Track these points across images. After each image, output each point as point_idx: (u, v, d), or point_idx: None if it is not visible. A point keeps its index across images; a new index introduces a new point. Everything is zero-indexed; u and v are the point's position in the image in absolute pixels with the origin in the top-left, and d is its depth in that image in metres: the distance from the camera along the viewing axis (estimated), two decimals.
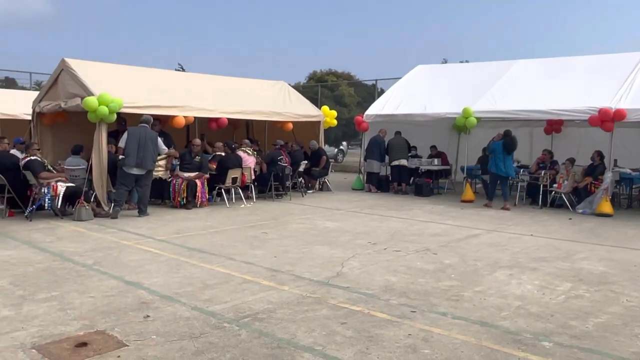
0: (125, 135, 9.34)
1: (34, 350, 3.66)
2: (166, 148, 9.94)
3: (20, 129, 13.37)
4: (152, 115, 10.32)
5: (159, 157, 10.08)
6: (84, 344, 3.78)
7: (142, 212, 9.35)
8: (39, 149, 9.50)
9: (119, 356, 3.59)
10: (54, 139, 11.01)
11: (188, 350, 3.69)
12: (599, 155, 11.04)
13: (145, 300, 4.75)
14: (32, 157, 8.96)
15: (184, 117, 10.81)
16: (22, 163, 8.93)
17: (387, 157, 13.68)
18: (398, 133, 13.69)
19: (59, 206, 8.90)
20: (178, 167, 10.57)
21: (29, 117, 11.82)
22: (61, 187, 8.85)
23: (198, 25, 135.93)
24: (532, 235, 8.17)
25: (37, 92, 13.99)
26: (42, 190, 8.73)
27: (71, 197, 8.98)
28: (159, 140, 9.58)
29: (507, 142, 10.83)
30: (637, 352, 3.79)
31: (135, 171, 9.21)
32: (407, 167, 13.51)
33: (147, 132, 9.40)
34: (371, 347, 3.80)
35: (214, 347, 3.76)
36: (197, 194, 10.33)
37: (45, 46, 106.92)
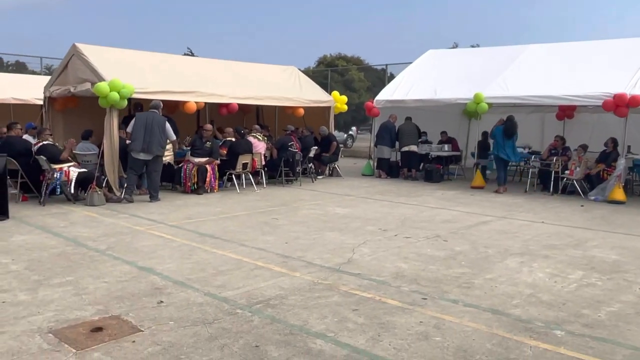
0: (133, 120, 9.38)
1: (50, 335, 3.72)
2: (174, 135, 9.85)
3: (32, 113, 13.45)
4: (162, 100, 10.37)
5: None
6: (100, 329, 3.84)
7: (153, 198, 9.40)
8: (51, 134, 9.56)
9: (134, 341, 3.64)
10: (65, 124, 11.08)
11: (202, 336, 3.73)
12: (613, 141, 10.93)
13: (159, 286, 4.80)
14: (46, 142, 9.02)
15: (195, 102, 10.81)
16: (35, 148, 8.99)
17: (397, 143, 13.65)
18: (408, 119, 13.63)
19: (72, 191, 8.97)
20: (189, 152, 10.60)
21: (41, 102, 11.90)
22: (73, 172, 8.93)
23: (207, 9, 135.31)
24: (543, 222, 8.14)
25: (47, 77, 14.08)
26: (55, 176, 8.81)
27: (83, 182, 9.05)
28: (167, 125, 9.51)
29: (507, 127, 11.20)
30: None
31: (142, 156, 9.23)
32: (416, 153, 13.46)
33: (155, 117, 9.39)
34: (383, 334, 3.83)
35: (227, 332, 3.80)
36: (207, 179, 10.37)
37: (55, 30, 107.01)
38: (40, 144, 9.01)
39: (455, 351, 3.58)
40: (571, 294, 4.79)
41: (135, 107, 10.56)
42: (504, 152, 11.26)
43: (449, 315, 4.21)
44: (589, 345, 3.72)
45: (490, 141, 12.30)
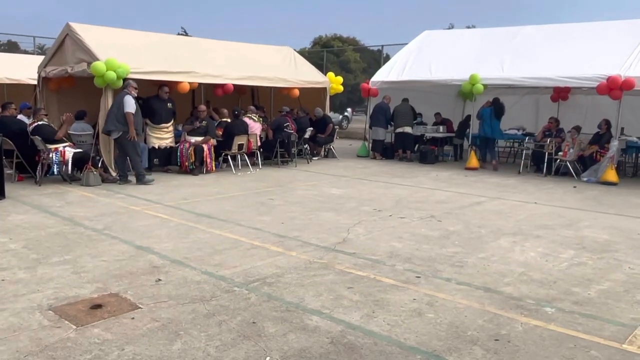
0: None
1: (50, 312, 3.78)
2: (132, 106, 8.97)
3: (26, 93, 13.38)
4: (158, 80, 10.35)
5: (163, 126, 10.16)
6: (99, 306, 3.90)
7: (138, 180, 9.14)
8: (46, 114, 9.53)
9: (133, 317, 3.71)
10: (59, 104, 11.02)
11: (200, 313, 3.80)
12: (607, 123, 11.00)
13: (156, 265, 4.86)
14: (41, 122, 9.00)
15: (189, 82, 10.78)
16: (30, 128, 8.98)
17: (391, 124, 13.68)
18: (405, 100, 13.64)
19: (69, 172, 8.99)
20: (185, 133, 10.60)
21: (34, 82, 11.83)
22: (69, 153, 8.93)
23: None
24: (536, 203, 8.23)
25: (40, 56, 13.98)
26: (50, 156, 8.81)
27: (79, 162, 9.05)
28: (124, 100, 8.94)
29: (497, 109, 12.15)
30: (636, 318, 3.89)
31: (112, 136, 9.15)
32: (411, 134, 13.50)
33: (118, 96, 9.19)
34: (377, 311, 3.91)
35: (225, 309, 3.87)
36: (204, 158, 10.40)
37: (47, 9, 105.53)
38: (36, 124, 8.99)
39: (447, 327, 3.67)
40: (562, 273, 4.89)
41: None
42: (490, 132, 12.20)
43: (442, 293, 4.30)
44: (578, 321, 3.82)
45: (476, 122, 12.73)
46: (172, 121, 10.61)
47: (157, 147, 10.39)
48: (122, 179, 9.16)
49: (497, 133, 12.39)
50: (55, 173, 8.96)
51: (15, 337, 3.38)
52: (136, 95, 9.24)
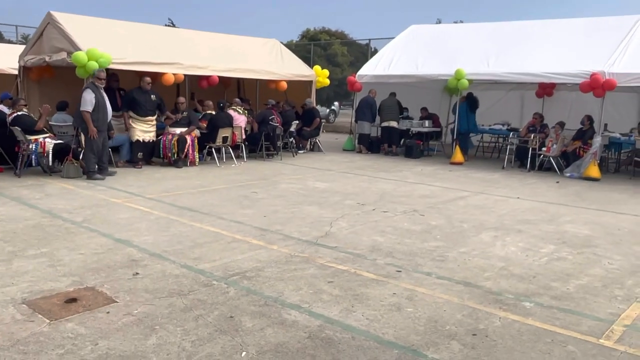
0: None
1: (24, 305, 3.71)
2: (88, 100, 8.55)
3: (7, 83, 13.14)
4: (141, 72, 10.21)
5: (149, 119, 10.07)
6: (74, 300, 3.84)
7: (87, 175, 8.78)
8: (25, 105, 9.36)
9: (108, 312, 3.65)
10: (41, 94, 10.85)
11: (177, 307, 3.76)
12: (589, 119, 11.08)
13: (135, 258, 4.80)
14: (20, 113, 8.84)
15: (174, 74, 10.65)
16: (9, 119, 8.82)
17: (378, 118, 13.67)
18: (392, 94, 13.62)
19: (49, 163, 8.85)
20: (167, 126, 10.46)
21: (16, 71, 11.62)
22: (49, 144, 8.79)
23: None
24: (518, 198, 8.27)
25: (22, 46, 13.73)
26: (30, 147, 8.67)
27: (59, 153, 8.91)
28: (82, 96, 8.60)
29: (471, 103, 12.59)
30: (614, 313, 3.91)
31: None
32: (397, 128, 13.50)
33: (83, 88, 8.85)
34: (356, 305, 3.89)
35: (203, 304, 3.83)
36: (186, 150, 10.27)
37: None
38: (15, 114, 8.83)
39: (426, 322, 3.66)
40: (542, 268, 4.90)
41: (112, 77, 10.30)
42: (467, 126, 12.63)
43: (421, 287, 4.29)
44: (556, 316, 3.83)
45: (452, 116, 13.32)
46: (157, 114, 10.40)
47: (141, 141, 10.13)
48: (102, 172, 8.96)
49: (473, 127, 12.77)
50: (34, 164, 8.81)
51: None
52: (103, 85, 8.81)
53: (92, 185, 8.20)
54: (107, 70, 9.58)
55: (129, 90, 10.17)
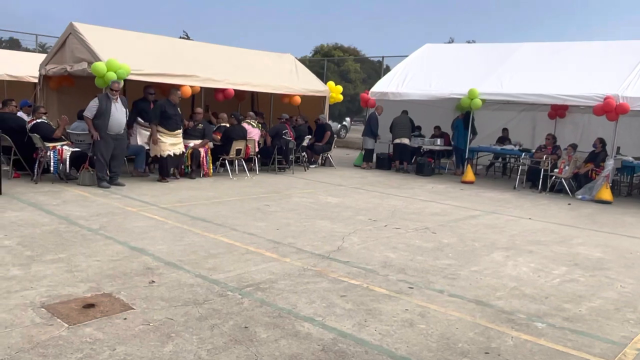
0: None
1: (43, 309, 3.78)
2: (90, 107, 8.70)
3: (26, 91, 13.40)
4: (158, 83, 10.37)
5: (177, 132, 9.95)
6: (92, 305, 3.90)
7: (97, 182, 8.89)
8: (45, 113, 9.54)
9: (125, 318, 3.71)
10: (59, 103, 11.05)
11: (192, 316, 3.81)
12: (601, 142, 11.08)
13: (150, 266, 4.87)
14: (39, 120, 9.01)
15: (190, 86, 10.80)
16: (28, 126, 8.99)
17: (378, 135, 14.04)
18: (404, 112, 13.74)
19: (67, 170, 8.99)
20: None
21: (35, 80, 11.85)
22: (66, 152, 8.94)
23: None
24: (530, 218, 8.27)
25: (42, 55, 14.02)
26: (48, 154, 8.81)
27: (76, 161, 9.05)
28: (90, 103, 8.77)
29: (465, 120, 12.94)
30: (627, 337, 3.92)
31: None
32: (408, 145, 13.59)
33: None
34: (369, 320, 3.93)
35: (217, 313, 3.88)
36: (201, 162, 10.39)
37: (50, 8, 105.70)
38: (34, 121, 9.00)
39: (438, 338, 3.69)
40: (554, 289, 4.91)
41: (146, 89, 10.38)
42: (462, 142, 13.10)
43: (434, 304, 4.32)
44: (568, 337, 3.84)
45: (450, 132, 13.88)
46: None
47: (172, 155, 9.73)
48: (111, 181, 9.01)
49: (462, 143, 13.15)
50: (53, 171, 8.93)
51: (7, 333, 3.38)
52: (115, 96, 8.84)
53: (108, 194, 8.31)
54: (145, 82, 9.73)
55: (158, 103, 9.88)
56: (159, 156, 9.74)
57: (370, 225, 7.18)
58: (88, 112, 8.72)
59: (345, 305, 4.19)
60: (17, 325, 3.51)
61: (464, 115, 13.01)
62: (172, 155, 9.79)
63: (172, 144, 9.75)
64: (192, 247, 5.57)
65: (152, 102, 10.19)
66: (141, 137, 10.13)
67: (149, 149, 10.01)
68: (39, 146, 8.92)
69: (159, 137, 9.56)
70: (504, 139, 14.01)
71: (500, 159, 14.18)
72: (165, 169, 9.82)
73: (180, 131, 9.97)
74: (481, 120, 13.65)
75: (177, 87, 10.62)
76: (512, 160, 14.03)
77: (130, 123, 9.94)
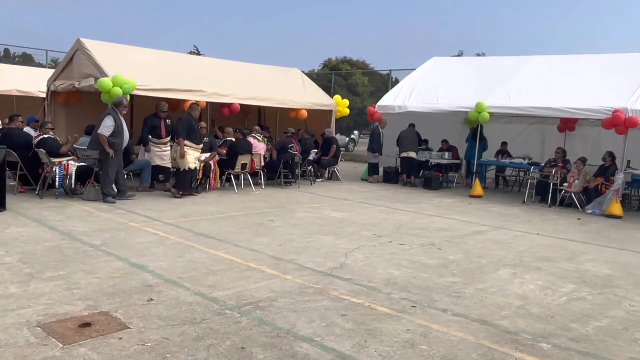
0: None
1: (39, 329, 3.74)
2: (107, 128, 8.72)
3: (36, 106, 13.51)
4: (165, 98, 10.40)
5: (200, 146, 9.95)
6: (88, 325, 3.86)
7: (103, 197, 8.87)
8: (52, 129, 9.60)
9: (121, 338, 3.66)
10: (67, 118, 11.12)
11: (189, 336, 3.75)
12: (611, 156, 10.94)
13: (150, 284, 4.82)
14: (46, 136, 9.06)
15: (196, 102, 10.82)
16: (35, 141, 9.03)
17: (378, 150, 14.03)
18: (412, 125, 13.70)
19: (73, 186, 9.02)
20: None
21: (44, 95, 11.95)
22: (72, 167, 8.96)
23: (214, 9, 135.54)
24: (538, 234, 8.15)
25: (52, 70, 14.14)
26: (55, 169, 8.84)
27: (82, 176, 9.08)
28: (103, 121, 8.76)
29: (474, 132, 13.16)
30: (635, 358, 3.80)
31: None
32: (415, 159, 13.52)
33: (103, 114, 8.98)
34: (370, 341, 3.84)
35: (215, 333, 3.82)
36: (211, 175, 10.40)
37: (62, 24, 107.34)
38: (41, 137, 9.05)
39: None
40: (560, 308, 4.80)
41: (158, 107, 10.30)
42: (471, 155, 13.33)
43: (437, 324, 4.22)
44: (574, 359, 3.73)
45: (458, 146, 14.30)
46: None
47: (193, 169, 9.77)
48: (120, 195, 9.05)
49: (470, 155, 13.38)
50: (57, 186, 8.94)
51: (0, 354, 3.33)
52: (124, 113, 9.01)
53: (112, 209, 8.30)
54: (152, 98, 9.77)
55: (183, 118, 9.77)
56: (183, 170, 9.68)
57: (375, 241, 7.09)
58: (105, 131, 8.75)
59: (345, 325, 4.10)
60: (12, 345, 3.46)
61: (473, 129, 13.10)
62: (195, 169, 9.88)
63: (196, 157, 9.86)
64: (194, 264, 5.52)
65: (164, 119, 10.18)
66: (152, 152, 10.13)
67: (157, 165, 10.10)
68: (45, 162, 8.95)
69: (186, 150, 9.61)
70: (502, 152, 13.90)
71: (504, 172, 14.06)
72: (189, 183, 9.85)
73: (202, 145, 10.09)
74: (490, 133, 13.55)
75: (183, 102, 10.67)
76: (522, 174, 13.90)
77: (144, 140, 10.03)
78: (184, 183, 9.80)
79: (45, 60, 24.29)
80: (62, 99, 11.04)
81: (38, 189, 8.97)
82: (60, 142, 9.30)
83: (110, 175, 8.87)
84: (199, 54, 34.47)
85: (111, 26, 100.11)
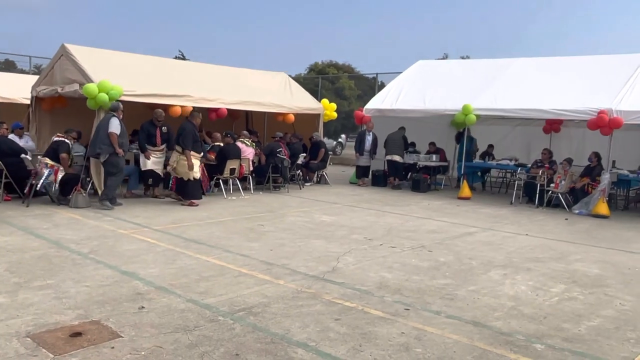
0: None
1: (28, 339, 3.67)
2: (116, 127, 8.83)
3: (20, 113, 13.30)
4: (152, 103, 10.31)
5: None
6: (79, 334, 3.80)
7: (100, 198, 8.91)
8: (75, 138, 9.63)
9: (113, 347, 3.61)
10: (52, 124, 10.98)
11: (182, 343, 3.70)
12: (596, 155, 11.06)
13: (141, 291, 4.76)
14: (67, 141, 9.14)
15: (181, 106, 10.73)
16: (54, 138, 9.07)
17: (360, 152, 14.12)
18: (401, 128, 13.77)
19: (56, 191, 8.89)
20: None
21: (28, 101, 11.79)
22: (61, 173, 8.85)
23: (199, 13, 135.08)
24: (527, 234, 8.20)
25: (36, 76, 13.97)
26: (44, 172, 8.68)
27: (68, 183, 8.96)
28: (110, 122, 8.85)
29: (461, 135, 13.17)
30: (627, 357, 3.82)
31: (100, 158, 8.96)
32: (398, 162, 13.58)
33: (104, 118, 9.06)
34: (364, 345, 3.83)
35: (208, 340, 3.78)
36: (203, 179, 10.32)
37: (44, 29, 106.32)
38: (62, 138, 9.04)
39: None
40: (552, 308, 4.82)
41: (154, 114, 10.18)
42: (458, 157, 13.39)
43: (430, 327, 4.22)
44: (567, 359, 3.75)
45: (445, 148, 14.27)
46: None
47: (198, 178, 9.67)
48: (111, 202, 8.99)
49: (458, 157, 13.46)
50: (39, 188, 8.77)
51: None
52: (120, 117, 9.04)
53: (100, 216, 8.21)
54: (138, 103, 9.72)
55: (187, 128, 9.58)
56: (188, 179, 9.51)
57: (366, 244, 7.09)
58: (115, 129, 8.82)
59: (339, 329, 4.08)
60: (1, 356, 3.39)
61: (460, 132, 13.18)
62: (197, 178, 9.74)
63: (198, 166, 9.78)
64: (184, 271, 5.47)
65: (160, 127, 10.08)
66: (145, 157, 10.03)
67: (147, 170, 10.04)
68: (30, 168, 8.83)
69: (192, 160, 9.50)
70: (487, 154, 14.03)
71: (488, 173, 14.22)
72: (197, 191, 9.71)
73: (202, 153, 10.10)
74: (476, 136, 13.67)
75: (169, 107, 10.58)
76: (508, 175, 14.01)
77: (142, 146, 9.98)
78: (194, 192, 9.64)
79: (29, 67, 23.99)
80: (47, 105, 10.91)
81: (26, 197, 8.84)
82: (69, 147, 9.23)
83: (118, 178, 8.97)
84: (184, 58, 34.34)
85: (95, 32, 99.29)
